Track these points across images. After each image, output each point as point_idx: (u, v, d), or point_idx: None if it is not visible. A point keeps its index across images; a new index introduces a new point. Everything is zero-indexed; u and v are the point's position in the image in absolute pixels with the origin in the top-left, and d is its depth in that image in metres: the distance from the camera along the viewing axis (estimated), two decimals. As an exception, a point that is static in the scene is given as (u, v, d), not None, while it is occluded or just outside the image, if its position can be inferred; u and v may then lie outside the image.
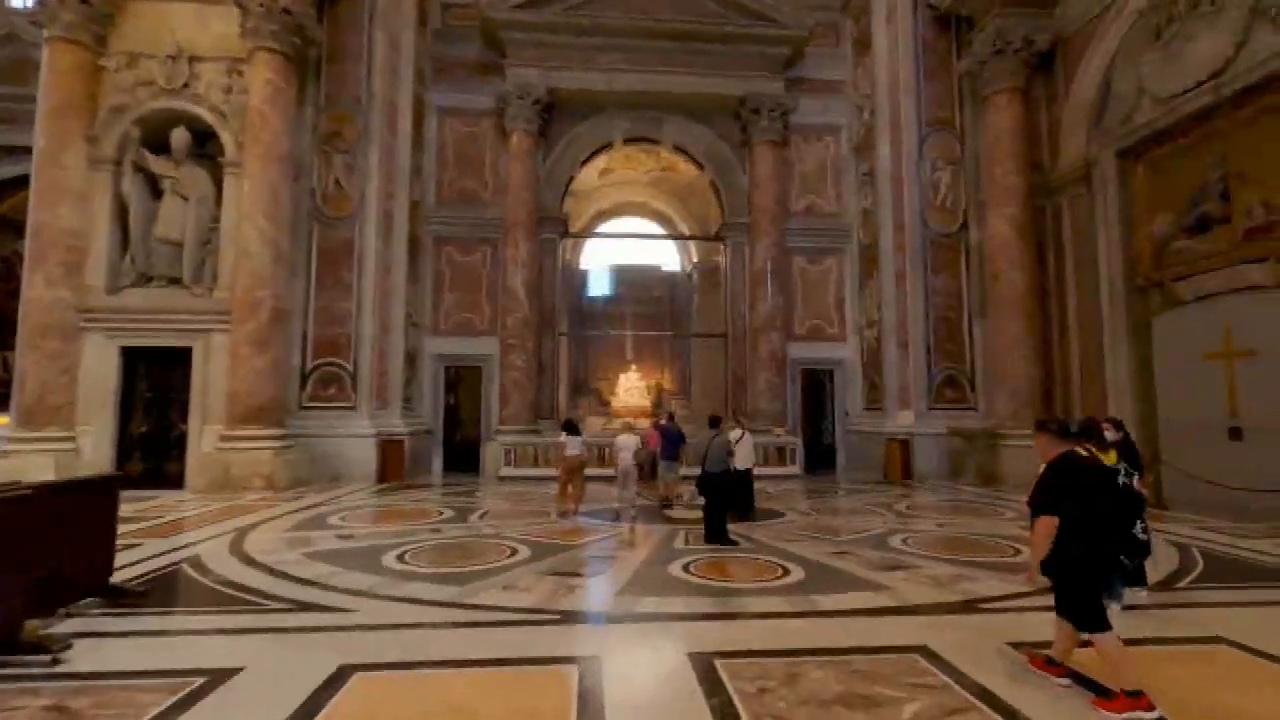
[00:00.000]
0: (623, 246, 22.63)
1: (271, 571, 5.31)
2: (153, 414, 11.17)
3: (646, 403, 20.36)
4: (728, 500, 6.45)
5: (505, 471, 12.86)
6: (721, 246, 16.55)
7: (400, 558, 5.85)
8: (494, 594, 4.69)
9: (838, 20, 16.14)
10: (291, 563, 5.63)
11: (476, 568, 5.51)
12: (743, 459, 8.54)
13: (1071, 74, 12.29)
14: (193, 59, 11.49)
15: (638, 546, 6.51)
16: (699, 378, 20.92)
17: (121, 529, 7.25)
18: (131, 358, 11.11)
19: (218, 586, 4.87)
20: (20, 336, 10.73)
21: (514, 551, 6.11)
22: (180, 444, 11.11)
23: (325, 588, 4.84)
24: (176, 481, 10.91)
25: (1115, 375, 11.14)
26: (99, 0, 11.01)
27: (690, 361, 21.36)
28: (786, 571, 5.36)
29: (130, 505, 8.97)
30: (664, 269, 22.65)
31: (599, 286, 21.76)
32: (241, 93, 11.46)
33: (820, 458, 15.14)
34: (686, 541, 6.63)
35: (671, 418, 11.33)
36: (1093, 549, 3.03)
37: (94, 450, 10.78)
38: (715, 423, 6.63)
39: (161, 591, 4.73)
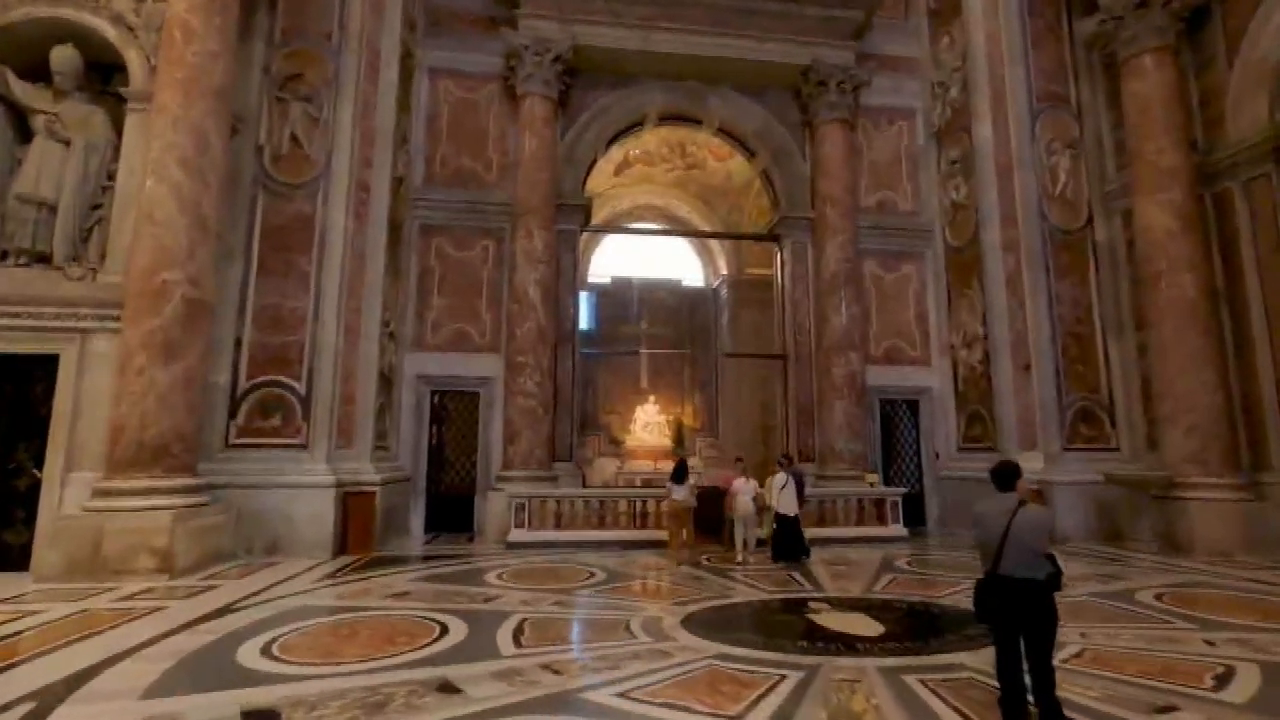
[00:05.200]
0: (634, 260, 19.59)
1: None
2: (-9, 455, 7.40)
3: (667, 441, 17.02)
4: (1051, 633, 3.22)
5: (517, 536, 9.30)
6: (776, 249, 13.58)
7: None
8: None
9: (905, -11, 13.73)
10: None
11: None
12: (787, 505, 8.46)
13: (1237, 30, 9.88)
14: (91, -49, 8.18)
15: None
16: (729, 411, 17.71)
17: None
18: (-36, 370, 7.41)
19: None
20: None
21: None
22: (32, 500, 7.33)
23: None
24: (21, 558, 7.12)
25: (1344, 403, 8.37)
26: None
27: (719, 392, 18.16)
28: None
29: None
30: (684, 284, 19.61)
31: (609, 302, 18.56)
32: (160, 0, 8.15)
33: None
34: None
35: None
36: None
37: (-110, 511, 6.95)
38: (1007, 478, 3.40)
39: None
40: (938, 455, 12.45)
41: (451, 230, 11.72)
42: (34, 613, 5.36)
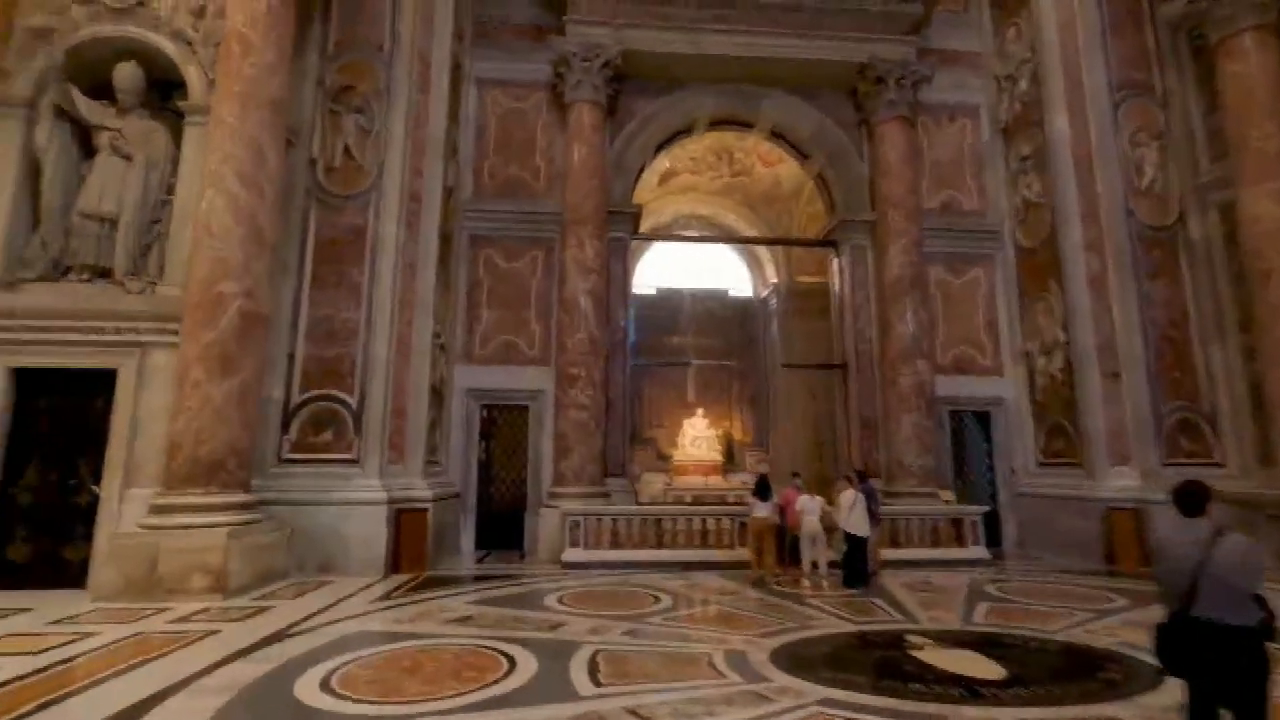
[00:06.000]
0: (678, 271, 19.20)
1: None
2: (52, 470, 7.37)
3: (717, 456, 16.44)
4: (1263, 692, 2.63)
5: (572, 555, 8.90)
6: (832, 255, 13.02)
7: None
8: None
9: (965, -17, 13.12)
10: None
11: None
12: (858, 525, 7.85)
13: (1350, 4, 9.01)
14: (154, -30, 8.29)
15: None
16: (780, 424, 17.06)
17: None
18: (29, 384, 7.41)
19: None
20: None
21: None
22: (91, 516, 7.26)
23: None
24: (81, 574, 7.03)
25: None
26: (26, -113, 7.90)
27: (770, 405, 17.54)
28: None
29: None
30: (731, 294, 19.12)
31: (652, 314, 18.14)
32: (218, 16, 8.17)
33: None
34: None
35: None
36: None
37: (-45, 527, 6.95)
38: (1195, 501, 2.78)
39: None
40: (1013, 471, 11.60)
41: (500, 241, 11.53)
42: (90, 634, 5.17)
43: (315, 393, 8.65)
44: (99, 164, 7.93)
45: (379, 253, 9.12)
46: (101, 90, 8.12)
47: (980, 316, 12.19)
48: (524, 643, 4.98)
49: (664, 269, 18.91)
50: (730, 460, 17.00)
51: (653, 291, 18.37)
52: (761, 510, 8.24)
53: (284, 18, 8.13)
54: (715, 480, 15.79)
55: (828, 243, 13.07)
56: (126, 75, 8.05)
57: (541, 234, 11.53)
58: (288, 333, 8.69)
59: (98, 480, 7.27)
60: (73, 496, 7.28)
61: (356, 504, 8.19)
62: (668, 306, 18.26)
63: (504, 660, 4.55)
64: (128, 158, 7.97)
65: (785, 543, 8.92)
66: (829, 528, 8.40)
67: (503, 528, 10.83)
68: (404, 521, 8.39)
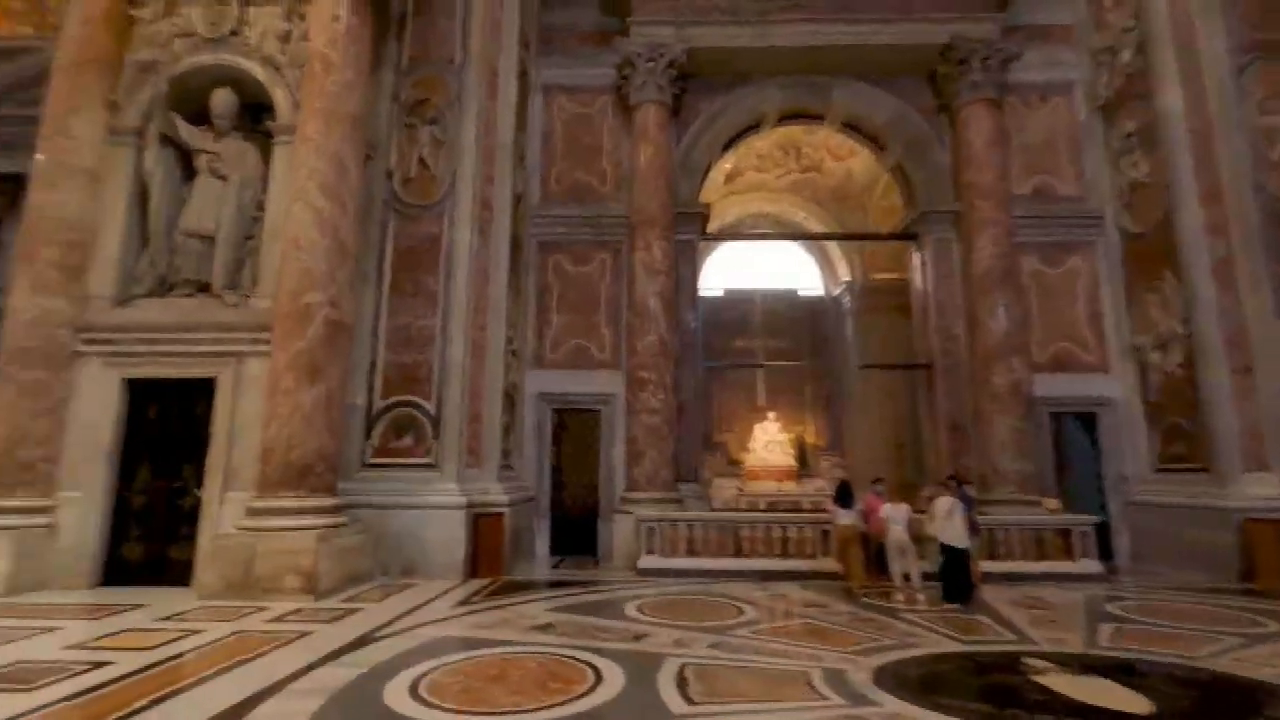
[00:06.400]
0: (744, 272, 18.76)
1: None
2: (161, 474, 7.83)
3: (791, 460, 15.91)
4: None
5: (647, 562, 8.71)
6: (913, 249, 12.36)
7: None
8: None
9: (1053, -47, 12.19)
10: None
11: None
12: (957, 537, 7.22)
13: None
14: (245, 1, 8.73)
15: None
16: (856, 427, 16.36)
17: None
18: (139, 394, 7.92)
19: None
20: (-6, 363, 7.74)
21: None
22: (195, 518, 7.66)
23: None
24: (186, 573, 7.41)
25: None
26: (133, -68, 8.51)
27: (845, 407, 16.87)
28: None
29: (82, 626, 5.43)
30: (800, 293, 18.53)
31: (719, 315, 17.78)
32: (302, 39, 8.55)
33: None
34: None
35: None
36: None
37: (79, 527, 7.46)
38: None
39: None
40: (1125, 477, 10.59)
41: (568, 246, 11.55)
42: (195, 632, 5.39)
43: (396, 399, 8.85)
44: (198, 185, 8.41)
45: (454, 260, 9.27)
46: (198, 116, 8.63)
47: (1081, 309, 11.23)
48: (608, 653, 4.82)
49: (731, 270, 18.55)
50: (804, 465, 16.41)
51: (720, 293, 18.02)
52: (845, 518, 7.84)
53: (361, 37, 8.40)
54: (789, 485, 15.28)
55: (908, 236, 12.40)
56: (221, 101, 8.52)
57: (609, 237, 11.48)
58: (369, 341, 8.94)
59: (200, 484, 7.66)
60: (178, 499, 7.70)
61: (436, 508, 8.30)
62: (736, 308, 17.87)
63: (589, 671, 4.40)
64: (223, 178, 8.41)
65: (871, 552, 8.43)
66: (915, 537, 7.85)
67: (575, 532, 10.79)
68: (481, 525, 8.45)
